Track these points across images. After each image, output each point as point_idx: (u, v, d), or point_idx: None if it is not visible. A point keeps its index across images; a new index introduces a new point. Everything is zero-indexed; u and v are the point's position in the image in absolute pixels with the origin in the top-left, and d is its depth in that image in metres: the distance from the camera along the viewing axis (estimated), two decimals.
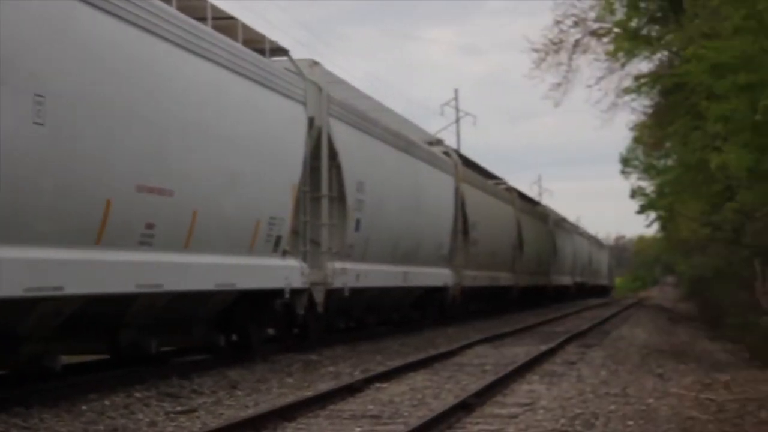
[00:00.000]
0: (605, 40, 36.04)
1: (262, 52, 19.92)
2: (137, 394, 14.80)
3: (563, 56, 37.86)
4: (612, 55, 35.87)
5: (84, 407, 13.47)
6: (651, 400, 14.76)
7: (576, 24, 37.12)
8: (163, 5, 15.77)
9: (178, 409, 13.67)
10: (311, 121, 21.60)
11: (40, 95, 12.43)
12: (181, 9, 16.50)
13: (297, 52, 22.23)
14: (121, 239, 14.38)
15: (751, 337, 24.99)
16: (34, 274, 12.48)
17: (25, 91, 12.23)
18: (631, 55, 34.97)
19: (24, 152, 12.18)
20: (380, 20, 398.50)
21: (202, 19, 17.52)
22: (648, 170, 54.34)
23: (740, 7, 17.39)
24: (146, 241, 15.03)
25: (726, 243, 32.72)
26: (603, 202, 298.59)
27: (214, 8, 18.42)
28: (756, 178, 21.07)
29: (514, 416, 13.24)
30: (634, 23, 33.51)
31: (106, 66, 14.02)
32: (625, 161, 56.97)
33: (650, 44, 33.34)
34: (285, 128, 20.09)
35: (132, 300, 15.61)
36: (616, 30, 34.40)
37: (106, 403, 13.92)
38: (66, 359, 16.05)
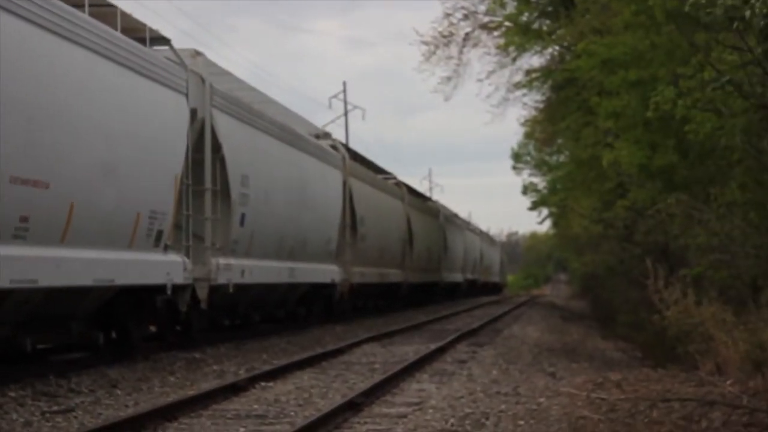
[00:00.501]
0: (496, 33, 36.37)
1: (142, 41, 19.76)
2: (12, 394, 14.62)
3: (453, 50, 38.13)
4: (503, 49, 36.22)
5: None
6: (542, 400, 14.89)
7: (466, 17, 37.39)
8: None
9: (55, 408, 13.56)
10: (194, 113, 21.48)
11: None
12: None
13: (180, 42, 22.09)
14: None
15: (643, 336, 25.32)
16: None
17: None
18: (522, 49, 35.35)
19: None
20: (266, 11, 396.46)
21: (79, 5, 17.34)
22: (540, 166, 54.98)
23: (631, 3, 17.64)
24: (20, 234, 14.87)
25: (618, 240, 33.14)
26: (495, 198, 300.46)
27: None
28: (647, 176, 21.36)
29: (403, 416, 13.29)
30: (525, 17, 33.89)
31: None
32: (517, 157, 57.62)
33: (541, 39, 33.71)
34: (166, 119, 19.95)
35: (5, 295, 15.42)
36: (507, 24, 34.73)
37: None
38: None
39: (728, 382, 15.14)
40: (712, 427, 12.09)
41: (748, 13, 7.69)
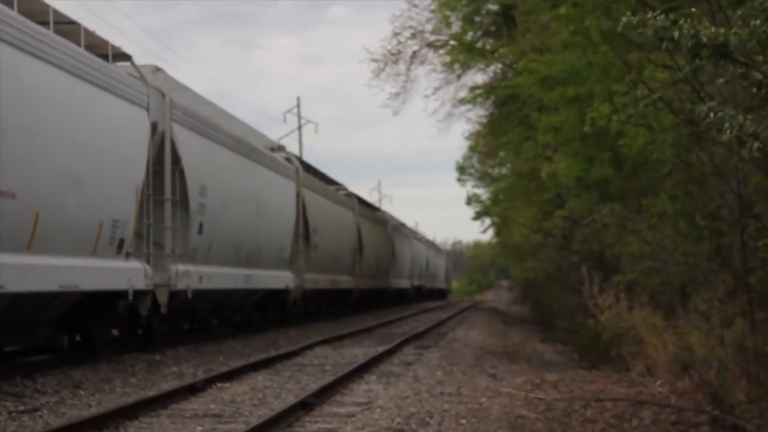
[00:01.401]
0: (442, 51, 36.47)
1: (105, 57, 19.69)
2: None
3: (401, 67, 38.22)
4: (448, 67, 36.32)
5: None
6: (483, 400, 14.89)
7: (413, 36, 37.48)
8: (2, 7, 15.51)
9: (21, 408, 13.48)
10: (154, 126, 21.43)
11: None
12: (22, 12, 16.25)
13: (141, 59, 22.08)
14: None
15: (579, 339, 25.39)
16: None
17: None
18: (466, 66, 35.46)
19: None
20: (224, 29, 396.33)
21: (44, 23, 17.27)
22: (483, 178, 55.10)
23: (569, 24, 17.71)
24: None
25: (556, 249, 33.23)
26: (440, 209, 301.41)
27: (57, 13, 18.16)
28: (584, 187, 21.45)
29: (352, 415, 13.28)
30: (469, 36, 33.98)
31: None
32: (461, 169, 57.71)
33: (484, 57, 33.82)
34: (128, 132, 19.88)
35: None
36: (452, 42, 34.84)
37: None
38: None
39: (658, 383, 15.22)
40: (642, 426, 12.15)
41: (677, 34, 7.72)
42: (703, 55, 8.04)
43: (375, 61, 39.00)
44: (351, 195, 50.99)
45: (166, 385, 16.05)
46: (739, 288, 13.23)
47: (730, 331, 13.40)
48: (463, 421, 12.72)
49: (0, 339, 16.89)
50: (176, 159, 22.78)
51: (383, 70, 38.56)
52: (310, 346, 24.64)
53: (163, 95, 22.26)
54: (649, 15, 8.19)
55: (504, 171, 46.66)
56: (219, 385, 16.44)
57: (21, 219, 15.66)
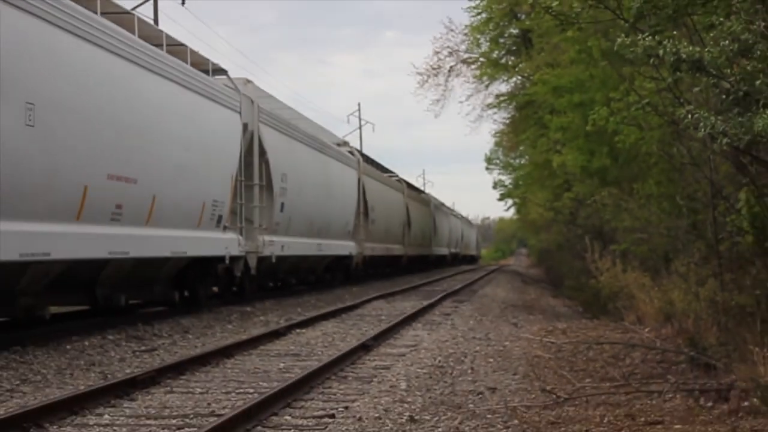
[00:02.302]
0: (473, 66, 36.41)
1: (206, 71, 19.84)
2: (110, 337, 14.77)
3: (441, 79, 38.22)
4: (478, 79, 36.26)
5: (68, 347, 13.45)
6: (507, 343, 14.91)
7: (450, 54, 37.45)
8: (130, 35, 15.66)
9: (142, 348, 13.69)
10: (245, 126, 21.57)
11: (31, 103, 12.34)
12: (141, 36, 16.42)
13: (235, 73, 22.14)
14: (96, 215, 14.29)
15: (583, 295, 25.33)
16: (23, 242, 12.41)
17: (16, 99, 12.12)
18: (492, 78, 35.37)
19: (17, 147, 12.07)
20: (301, 48, 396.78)
21: (159, 45, 17.41)
22: (506, 167, 54.81)
23: (575, 44, 17.61)
24: (116, 218, 14.96)
25: (565, 223, 33.07)
26: (472, 191, 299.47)
27: (168, 36, 18.31)
28: (587, 175, 21.35)
29: (402, 354, 13.33)
30: (495, 54, 33.81)
31: (86, 83, 13.93)
32: (489, 160, 57.40)
33: (507, 71, 33.69)
34: (224, 131, 20.03)
35: (105, 264, 15.54)
36: (482, 59, 34.71)
37: (86, 343, 13.90)
38: (54, 310, 15.91)
39: (646, 330, 15.17)
40: (633, 364, 12.12)
41: (661, 52, 7.71)
42: (682, 69, 8.01)
43: (419, 74, 39.04)
44: (401, 180, 50.90)
45: (256, 331, 16.21)
46: (711, 255, 13.15)
47: (704, 288, 13.33)
48: (491, 360, 12.76)
49: (126, 294, 17.09)
50: (263, 152, 22.91)
51: (426, 81, 38.60)
52: (369, 301, 24.72)
53: (252, 102, 22.37)
54: (639, 37, 8.17)
55: (523, 161, 46.39)
56: (297, 330, 16.58)
57: (142, 200, 15.85)
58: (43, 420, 8.29)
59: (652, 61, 8.28)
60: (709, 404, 9.23)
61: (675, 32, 8.73)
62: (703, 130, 7.35)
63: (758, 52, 6.87)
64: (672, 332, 14.12)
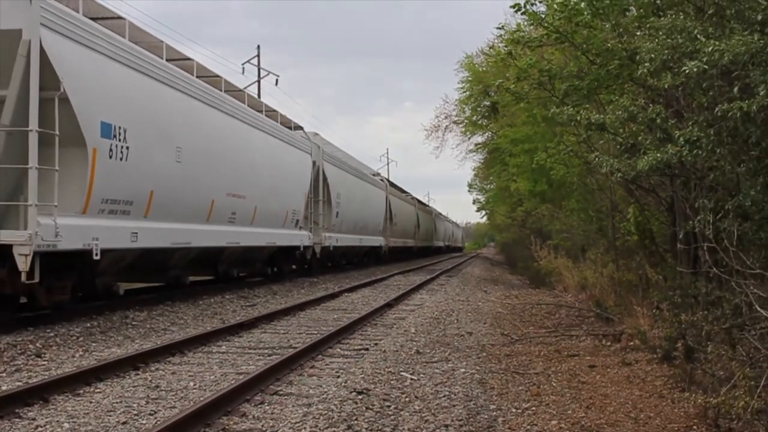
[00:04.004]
0: (461, 125, 36.24)
1: (289, 127, 19.89)
2: (227, 296, 14.83)
3: (440, 133, 38.06)
4: (464, 133, 36.09)
5: (200, 302, 13.54)
6: (480, 303, 14.91)
7: (446, 117, 37.35)
8: (241, 104, 15.72)
9: (247, 304, 13.73)
10: (314, 163, 21.58)
11: (179, 147, 12.44)
12: (250, 105, 16.47)
13: (307, 128, 22.21)
14: (219, 219, 14.38)
15: (529, 273, 25.23)
16: (174, 235, 12.50)
17: (170, 144, 12.24)
18: (473, 133, 35.19)
19: (170, 176, 12.18)
20: (350, 113, 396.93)
21: (260, 110, 17.48)
22: (481, 190, 54.44)
23: (525, 112, 17.57)
24: (232, 220, 15.02)
25: (518, 226, 32.94)
26: (460, 205, 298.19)
27: (266, 105, 18.37)
28: (532, 195, 21.27)
29: (413, 310, 13.35)
30: (474, 117, 33.68)
31: (215, 135, 14.03)
32: (470, 185, 57.00)
33: (482, 128, 33.53)
34: (300, 166, 20.08)
35: (223, 250, 15.59)
36: (466, 120, 34.58)
37: (212, 300, 13.98)
38: (192, 279, 16.04)
39: (569, 296, 15.13)
40: (560, 317, 12.10)
41: (579, 118, 7.72)
42: (592, 129, 8.02)
43: (426, 130, 39.21)
44: (413, 198, 50.80)
45: (319, 294, 16.22)
46: (610, 248, 13.10)
47: (606, 269, 13.29)
48: (469, 314, 12.75)
49: (237, 269, 17.13)
50: (324, 179, 22.93)
51: (430, 134, 38.42)
52: (392, 275, 24.70)
53: (319, 147, 22.39)
54: (565, 108, 8.18)
55: (492, 186, 46.25)
56: (345, 294, 16.58)
57: (248, 209, 15.90)
58: (184, 349, 8.38)
59: (573, 123, 8.29)
60: (608, 344, 9.22)
61: (587, 105, 8.74)
62: (605, 167, 7.35)
63: (640, 119, 6.87)
64: (585, 297, 14.08)
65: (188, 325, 10.64)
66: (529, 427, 5.44)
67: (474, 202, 56.99)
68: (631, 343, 8.85)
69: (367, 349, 8.69)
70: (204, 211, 13.65)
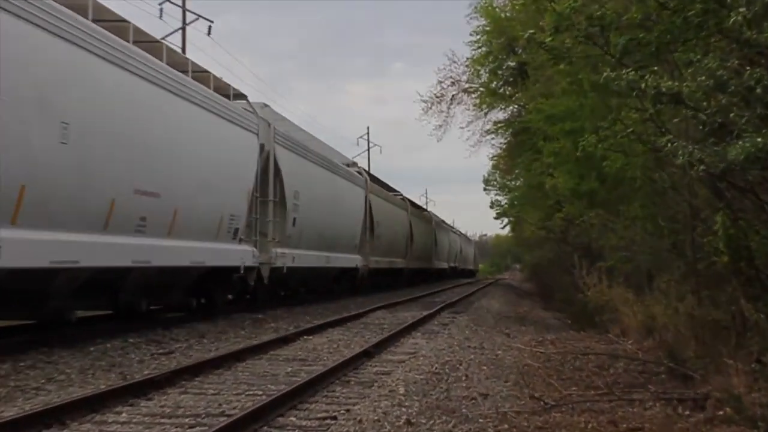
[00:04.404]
0: (473, 95, 36.38)
1: (227, 96, 19.88)
2: (131, 340, 14.76)
3: (443, 106, 38.20)
4: (478, 107, 36.22)
5: (92, 348, 13.46)
6: (500, 352, 14.85)
7: (453, 84, 37.47)
8: (156, 61, 15.69)
9: (160, 351, 13.67)
10: (262, 147, 21.62)
11: (65, 123, 12.36)
12: (169, 63, 16.45)
13: (253, 97, 22.26)
14: (123, 227, 14.31)
15: (571, 309, 25.24)
16: (55, 250, 12.42)
17: (52, 118, 12.15)
18: (491, 107, 35.34)
19: (51, 164, 12.10)
20: (316, 77, 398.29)
21: (185, 71, 17.45)
22: (502, 188, 54.63)
23: (566, 77, 17.60)
24: (141, 229, 14.97)
25: (556, 241, 33.01)
26: (471, 210, 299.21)
27: (193, 63, 18.36)
28: (576, 197, 21.30)
29: (402, 361, 13.29)
30: (493, 85, 33.77)
31: (119, 106, 13.97)
32: (486, 181, 57.22)
33: (505, 100, 33.65)
34: (243, 151, 20.07)
35: (129, 272, 15.54)
36: (481, 89, 34.68)
37: (108, 345, 13.90)
38: (80, 313, 15.92)
39: (629, 342, 15.12)
40: (617, 374, 12.08)
41: (643, 86, 7.71)
42: (663, 101, 8.01)
43: (424, 101, 39.00)
44: (405, 199, 50.92)
45: (266, 337, 16.17)
46: (690, 273, 13.11)
47: (683, 304, 13.28)
48: (484, 368, 12.70)
49: (147, 300, 17.09)
50: (277, 170, 22.94)
51: (430, 108, 38.56)
52: (372, 310, 24.67)
53: (269, 124, 22.42)
54: (624, 71, 8.17)
55: (518, 183, 46.34)
56: (305, 337, 16.54)
57: (164, 213, 15.86)
58: (65, 417, 8.27)
59: (635, 93, 8.27)
60: (687, 413, 9.18)
61: (657, 68, 8.72)
62: (682, 157, 7.33)
63: (732, 88, 6.85)
64: (653, 344, 14.06)
65: (73, 383, 10.51)
66: None
67: (492, 206, 57.35)
68: (720, 413, 8.82)
69: (334, 419, 8.62)
70: (100, 216, 13.56)
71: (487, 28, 31.86)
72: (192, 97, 16.96)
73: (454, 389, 10.64)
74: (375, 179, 42.27)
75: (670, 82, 7.58)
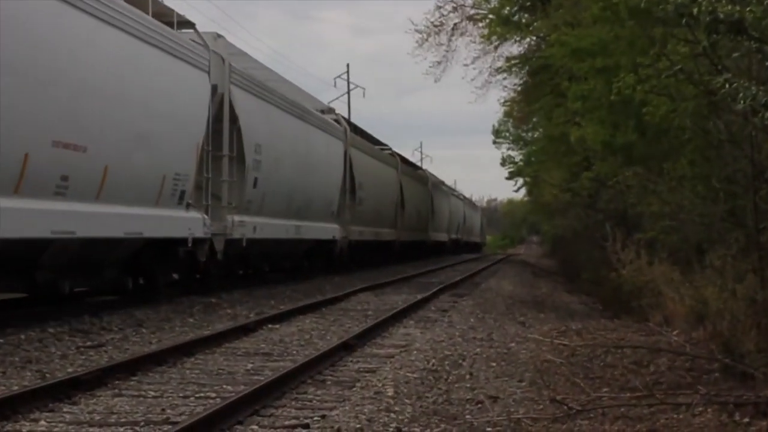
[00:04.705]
0: (481, 24, 36.33)
1: (170, 24, 19.76)
2: (51, 330, 14.73)
3: (443, 38, 38.16)
4: (486, 39, 36.12)
5: (1, 340, 13.39)
6: (513, 345, 14.90)
7: (455, 9, 37.41)
8: None
9: (88, 344, 13.65)
10: (214, 88, 21.53)
11: None
12: None
13: (205, 27, 22.13)
14: (38, 189, 14.23)
15: (602, 291, 25.36)
16: None
17: None
18: (503, 38, 35.26)
19: None
20: (282, 1, 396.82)
21: None
22: (516, 141, 54.87)
23: (598, 0, 17.58)
24: (61, 191, 14.90)
25: (583, 207, 33.13)
26: (477, 168, 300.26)
27: None
28: (610, 151, 21.35)
29: (391, 356, 13.33)
30: (506, 11, 33.71)
31: (28, 32, 13.84)
32: (497, 133, 57.48)
33: (520, 30, 33.59)
34: (190, 93, 19.98)
35: (47, 244, 15.48)
36: (491, 16, 34.61)
37: (22, 336, 13.86)
38: None
39: (674, 333, 15.18)
40: (659, 371, 12.14)
41: (695, 10, 7.68)
42: (720, 31, 7.98)
43: (419, 32, 38.96)
44: (394, 154, 50.94)
45: (221, 326, 16.20)
46: (751, 246, 13.16)
47: (742, 285, 13.34)
48: (493, 364, 12.75)
49: (71, 280, 17.06)
50: (234, 118, 22.87)
51: (426, 40, 38.53)
52: (353, 293, 24.73)
53: (223, 60, 22.32)
54: None
55: (536, 135, 46.45)
56: (269, 326, 16.59)
57: (91, 171, 15.80)
58: None
59: (685, 21, 8.25)
60: (746, 420, 9.23)
61: None
62: (743, 101, 7.33)
63: None
64: (704, 335, 14.12)
65: None
66: None
67: (504, 163, 57.55)
68: None
69: (306, 428, 8.64)
70: (9, 175, 13.51)
71: None
72: (124, 24, 16.82)
73: (456, 391, 10.66)
74: (357, 129, 42.21)
75: (729, 6, 7.57)
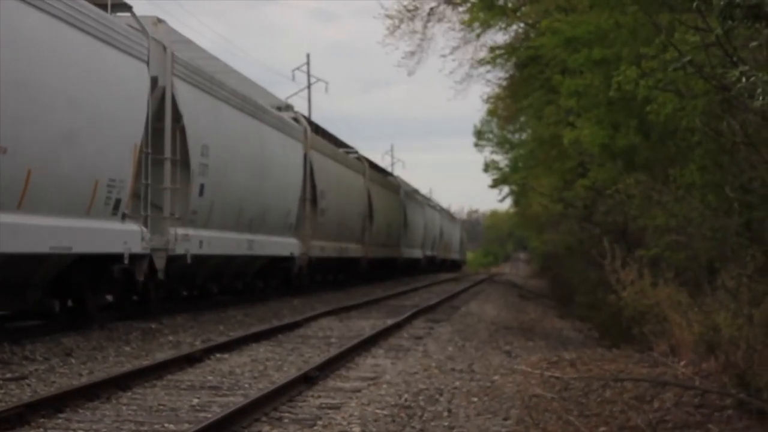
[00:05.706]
0: (461, 9, 36.32)
1: (103, 6, 19.68)
2: None
3: (418, 24, 38.09)
4: (467, 25, 36.13)
5: None
6: (497, 377, 14.94)
7: None
8: None
9: (8, 376, 13.59)
10: (155, 81, 21.48)
11: None
12: None
13: (143, 9, 22.05)
14: None
15: (600, 316, 25.42)
16: None
17: None
18: (486, 25, 35.28)
19: None
20: None
21: None
22: (502, 144, 55.05)
23: None
24: None
25: (577, 220, 33.20)
26: (456, 175, 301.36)
27: None
28: (608, 156, 21.41)
29: (357, 390, 13.36)
30: None
31: None
32: (479, 134, 57.71)
33: (506, 15, 33.62)
34: (126, 87, 19.89)
35: None
36: (473, 0, 34.64)
37: None
38: None
39: (681, 364, 15.25)
40: (664, 408, 12.18)
41: None
42: (736, 16, 8.01)
43: (390, 17, 38.86)
44: (362, 158, 51.00)
45: (162, 355, 16.16)
46: None
47: (759, 310, 13.39)
48: (475, 399, 12.77)
49: None
50: (177, 116, 22.82)
51: (398, 27, 38.42)
52: (314, 317, 24.73)
53: (165, 48, 22.27)
54: None
55: (524, 137, 46.67)
56: (218, 355, 16.56)
57: (12, 175, 15.70)
58: None
59: (696, 5, 8.29)
60: None
61: None
62: (761, 98, 7.35)
63: None
64: (716, 367, 14.17)
65: None
66: None
67: (487, 169, 57.70)
68: None
69: None
70: None
71: None
72: (46, 5, 16.70)
73: (432, 430, 10.69)
74: (319, 130, 42.22)
75: None
